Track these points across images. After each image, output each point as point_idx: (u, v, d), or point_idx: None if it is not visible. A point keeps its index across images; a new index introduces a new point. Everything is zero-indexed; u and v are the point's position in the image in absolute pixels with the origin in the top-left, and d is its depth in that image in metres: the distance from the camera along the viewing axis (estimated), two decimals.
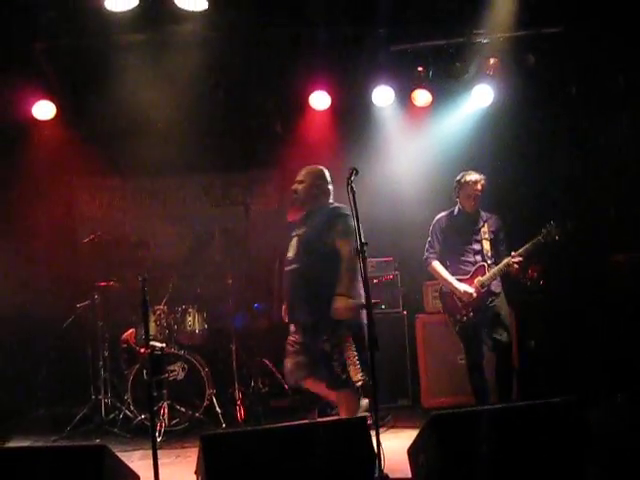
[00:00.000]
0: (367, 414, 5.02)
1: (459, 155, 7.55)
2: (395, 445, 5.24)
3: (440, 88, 7.83)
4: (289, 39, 7.22)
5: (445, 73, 7.65)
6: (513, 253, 6.22)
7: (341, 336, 5.31)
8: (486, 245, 6.39)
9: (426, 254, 6.53)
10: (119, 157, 8.05)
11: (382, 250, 7.47)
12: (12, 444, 6.58)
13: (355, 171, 4.83)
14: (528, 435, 4.16)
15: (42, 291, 7.96)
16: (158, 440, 5.89)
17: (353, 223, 5.28)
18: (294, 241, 5.58)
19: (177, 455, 6.20)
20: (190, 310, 7.22)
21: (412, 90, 7.84)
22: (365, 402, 5.47)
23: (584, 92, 7.58)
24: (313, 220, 5.49)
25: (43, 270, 8.04)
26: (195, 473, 4.32)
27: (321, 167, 5.71)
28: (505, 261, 6.24)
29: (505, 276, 6.34)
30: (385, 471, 4.48)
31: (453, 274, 6.41)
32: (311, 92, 7.84)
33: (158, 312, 7.09)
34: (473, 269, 6.37)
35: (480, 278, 6.31)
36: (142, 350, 6.83)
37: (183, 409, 6.87)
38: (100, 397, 7.08)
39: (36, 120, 7.65)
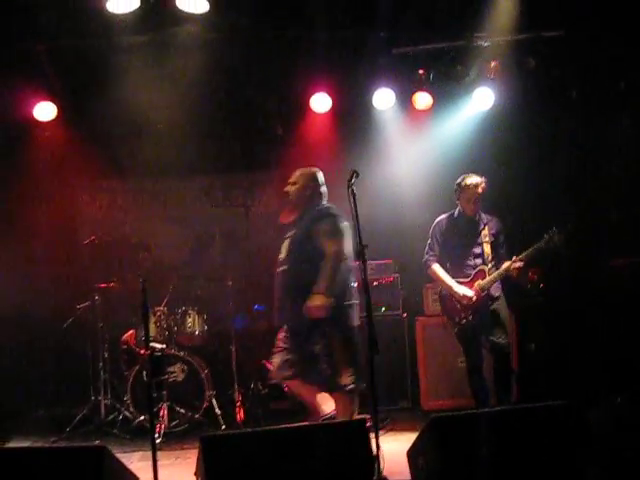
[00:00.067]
0: (367, 416, 5.02)
1: (460, 158, 7.55)
2: (394, 447, 5.24)
3: (441, 91, 7.83)
4: (290, 41, 7.23)
5: (446, 76, 7.66)
6: (514, 258, 6.20)
7: (331, 338, 5.31)
8: (487, 248, 6.36)
9: (426, 257, 6.50)
10: (120, 158, 8.05)
11: (382, 252, 7.46)
12: (12, 445, 6.59)
13: (356, 173, 4.84)
14: (528, 438, 4.17)
15: (42, 292, 7.98)
16: (158, 441, 5.90)
17: (342, 224, 5.32)
18: (286, 243, 5.60)
19: (177, 456, 6.20)
20: (190, 311, 7.22)
21: (413, 93, 7.84)
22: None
23: (584, 95, 7.58)
24: (303, 222, 5.50)
25: (43, 271, 8.05)
26: (195, 474, 4.33)
27: (315, 169, 5.72)
28: (505, 266, 6.22)
29: (505, 279, 6.34)
30: (384, 473, 4.48)
31: (453, 277, 6.38)
32: (312, 94, 7.85)
33: (158, 313, 7.09)
34: (473, 272, 6.35)
35: (480, 282, 6.29)
36: (142, 351, 6.83)
37: (183, 410, 6.87)
38: (100, 398, 7.08)
39: (37, 121, 7.65)
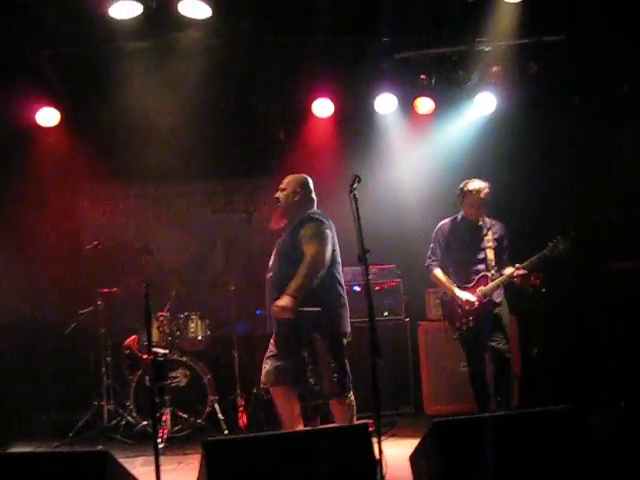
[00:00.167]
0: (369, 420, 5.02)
1: (461, 162, 7.56)
2: (397, 452, 5.25)
3: (443, 96, 7.84)
4: (292, 46, 7.24)
5: (448, 81, 7.68)
6: (517, 265, 6.17)
7: (316, 345, 5.30)
8: (490, 254, 6.32)
9: (428, 261, 6.49)
10: (122, 163, 8.05)
11: (385, 257, 7.48)
12: (14, 450, 6.58)
13: (358, 178, 4.84)
14: (530, 442, 4.16)
15: (45, 297, 8.00)
16: (160, 446, 5.91)
17: (325, 229, 5.29)
18: (275, 249, 5.61)
19: (179, 461, 6.20)
20: (193, 317, 7.22)
21: (415, 98, 7.85)
22: None
23: (586, 100, 7.59)
24: (289, 228, 5.50)
25: (46, 276, 8.06)
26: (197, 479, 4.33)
27: (304, 175, 5.73)
28: (508, 273, 6.19)
29: (507, 284, 6.32)
30: (387, 478, 4.48)
31: (455, 282, 6.36)
32: (314, 99, 7.86)
33: (161, 319, 7.09)
34: (476, 278, 6.32)
35: (482, 288, 6.26)
36: (145, 356, 6.82)
37: (185, 415, 6.87)
38: (103, 403, 7.09)
39: (40, 127, 7.66)
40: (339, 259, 5.51)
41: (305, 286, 5.18)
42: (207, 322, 7.29)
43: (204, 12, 6.27)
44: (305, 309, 5.19)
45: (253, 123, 8.22)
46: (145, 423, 6.80)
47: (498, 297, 6.32)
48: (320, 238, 5.30)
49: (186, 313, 7.21)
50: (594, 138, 7.66)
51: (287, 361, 5.35)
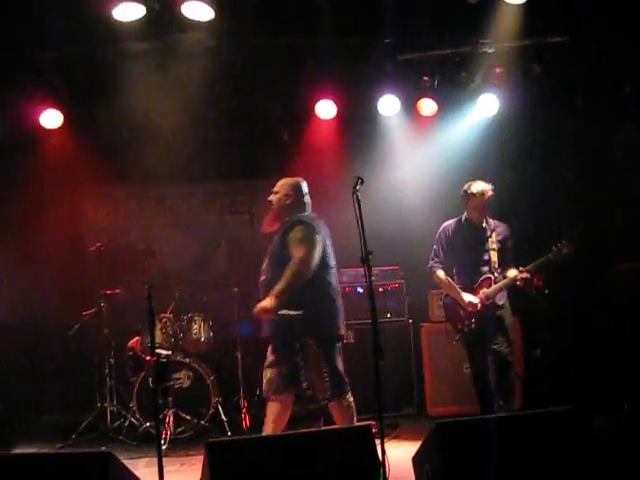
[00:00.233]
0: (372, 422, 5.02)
1: (464, 164, 7.56)
2: (400, 453, 5.26)
3: (446, 97, 7.84)
4: (295, 48, 7.24)
5: (451, 82, 7.67)
6: (521, 269, 6.15)
7: (307, 349, 5.28)
8: (494, 256, 6.29)
9: (431, 262, 6.45)
10: (126, 165, 8.05)
11: (387, 258, 7.48)
12: (18, 451, 6.59)
13: (360, 180, 4.85)
14: (533, 444, 4.16)
15: (48, 299, 8.02)
16: (163, 448, 5.93)
17: (314, 232, 5.28)
18: (268, 253, 5.61)
19: (182, 463, 6.22)
20: (196, 318, 7.23)
21: (418, 99, 7.85)
22: None
23: (589, 101, 7.59)
24: (280, 231, 5.49)
25: (49, 278, 8.08)
26: None
27: (298, 179, 5.71)
28: (512, 276, 6.17)
29: (510, 287, 6.31)
30: (389, 479, 4.48)
31: (459, 284, 6.33)
32: (317, 101, 7.86)
33: (164, 320, 7.10)
34: (479, 280, 6.29)
35: (485, 290, 6.23)
36: (148, 358, 6.83)
37: (188, 417, 6.88)
38: (106, 405, 7.10)
39: (43, 128, 7.67)
40: (332, 262, 5.47)
41: (289, 289, 5.15)
42: (210, 323, 7.30)
43: (207, 14, 6.27)
44: (286, 312, 5.17)
45: (256, 124, 8.24)
46: (148, 424, 6.81)
47: (501, 300, 6.29)
48: (307, 242, 5.27)
49: (189, 314, 7.22)
50: (597, 139, 7.66)
51: (286, 366, 5.33)
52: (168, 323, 7.11)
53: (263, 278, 5.49)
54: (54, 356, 7.88)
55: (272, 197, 5.65)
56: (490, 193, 6.26)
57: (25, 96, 7.32)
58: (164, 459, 4.56)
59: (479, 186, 6.28)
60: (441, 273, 6.39)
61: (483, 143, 7.85)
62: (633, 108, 7.37)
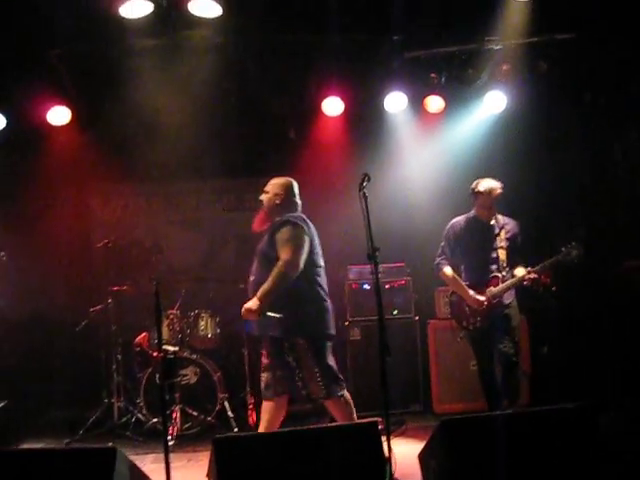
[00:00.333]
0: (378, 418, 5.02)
1: (471, 161, 7.56)
2: (406, 450, 5.26)
3: (453, 94, 7.83)
4: (303, 45, 7.23)
5: (458, 79, 7.65)
6: (529, 269, 6.13)
7: (300, 351, 5.28)
8: (502, 255, 6.25)
9: (437, 259, 6.43)
10: (133, 162, 8.05)
11: (394, 255, 7.47)
12: (25, 446, 6.62)
13: (367, 177, 4.86)
14: (539, 441, 4.16)
15: (56, 295, 8.05)
16: (170, 444, 5.94)
17: (301, 232, 5.27)
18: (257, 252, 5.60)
19: (189, 459, 6.24)
20: (203, 314, 7.24)
21: (425, 96, 7.84)
22: None
23: (596, 98, 7.57)
24: (269, 231, 5.49)
25: (57, 274, 8.11)
26: (207, 476, 4.35)
27: (289, 179, 5.71)
28: (519, 276, 6.14)
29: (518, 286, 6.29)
30: (396, 476, 4.51)
31: (466, 281, 6.32)
32: (324, 98, 7.84)
33: (171, 316, 7.12)
34: (487, 278, 6.26)
35: (492, 289, 6.20)
36: (155, 354, 6.86)
37: (195, 413, 6.90)
38: (113, 400, 7.13)
39: (51, 125, 7.66)
40: (321, 262, 5.48)
41: (274, 290, 5.17)
42: (217, 320, 7.31)
43: (214, 11, 6.27)
44: (272, 314, 5.19)
45: (263, 121, 8.23)
46: (155, 420, 6.83)
47: (508, 298, 6.26)
48: (295, 242, 5.27)
49: (196, 311, 7.23)
50: (604, 136, 7.65)
51: (280, 369, 5.36)
52: (175, 319, 7.12)
53: (252, 278, 5.49)
54: (61, 352, 7.90)
55: (263, 196, 5.67)
56: (499, 191, 6.24)
57: (33, 93, 7.31)
58: (171, 455, 4.59)
59: (487, 184, 6.27)
60: (448, 270, 6.37)
61: (490, 140, 7.84)
62: (639, 106, 7.36)
